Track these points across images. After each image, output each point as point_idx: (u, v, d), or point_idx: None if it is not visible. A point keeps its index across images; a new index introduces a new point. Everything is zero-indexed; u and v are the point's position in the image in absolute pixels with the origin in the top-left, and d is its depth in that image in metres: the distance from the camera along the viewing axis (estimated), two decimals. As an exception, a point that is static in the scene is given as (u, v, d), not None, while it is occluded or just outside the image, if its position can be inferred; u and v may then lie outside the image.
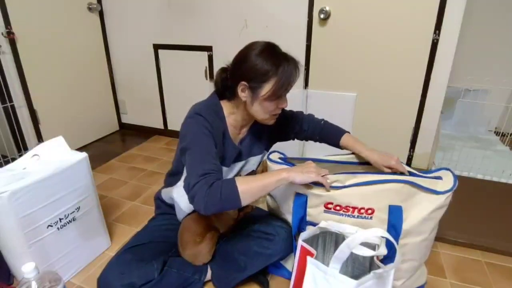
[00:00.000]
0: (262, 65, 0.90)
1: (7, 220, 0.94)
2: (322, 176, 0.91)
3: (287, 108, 1.12)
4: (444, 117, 2.19)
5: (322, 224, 0.92)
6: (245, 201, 0.84)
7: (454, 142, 2.03)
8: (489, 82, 1.76)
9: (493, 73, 1.99)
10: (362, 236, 0.75)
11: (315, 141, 1.19)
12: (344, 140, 1.11)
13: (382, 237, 0.80)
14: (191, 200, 0.86)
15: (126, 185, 1.78)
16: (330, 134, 1.15)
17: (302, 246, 0.89)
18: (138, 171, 1.94)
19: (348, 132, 1.13)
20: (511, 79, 1.99)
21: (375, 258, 0.80)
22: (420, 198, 0.90)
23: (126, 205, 1.59)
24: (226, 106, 1.01)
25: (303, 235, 0.92)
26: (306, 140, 1.21)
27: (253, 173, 1.17)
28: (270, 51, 0.93)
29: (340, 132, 1.13)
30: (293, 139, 1.21)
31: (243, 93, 0.95)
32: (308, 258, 0.81)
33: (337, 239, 0.97)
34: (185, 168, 0.96)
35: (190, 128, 0.94)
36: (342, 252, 0.75)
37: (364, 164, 1.08)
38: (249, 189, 0.84)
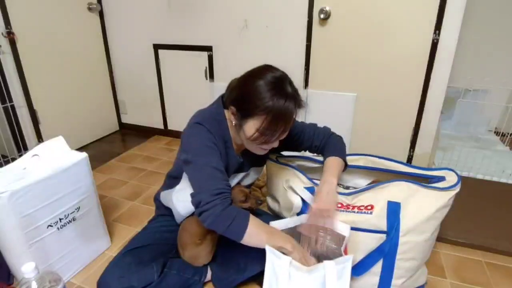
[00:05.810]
0: (256, 94, 0.81)
1: (7, 220, 0.94)
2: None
3: (299, 119, 1.06)
4: (444, 117, 2.18)
5: (297, 218, 0.97)
6: (245, 241, 0.84)
7: (454, 142, 2.03)
8: (489, 82, 1.76)
9: (493, 73, 1.99)
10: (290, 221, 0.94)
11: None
12: (326, 162, 1.01)
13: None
14: (199, 214, 0.84)
15: (126, 185, 1.78)
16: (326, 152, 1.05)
17: None
18: (138, 171, 1.94)
19: (340, 158, 1.01)
20: (511, 79, 1.99)
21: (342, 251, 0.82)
22: (422, 196, 0.91)
23: (126, 205, 1.59)
24: (229, 116, 0.95)
25: (276, 224, 0.94)
26: (312, 153, 1.14)
27: (251, 185, 1.16)
28: (275, 83, 0.82)
29: (332, 153, 1.02)
30: (301, 151, 1.14)
31: (232, 116, 0.90)
32: (267, 247, 0.82)
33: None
34: (187, 179, 0.92)
35: (192, 140, 0.90)
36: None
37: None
38: (256, 234, 0.84)
